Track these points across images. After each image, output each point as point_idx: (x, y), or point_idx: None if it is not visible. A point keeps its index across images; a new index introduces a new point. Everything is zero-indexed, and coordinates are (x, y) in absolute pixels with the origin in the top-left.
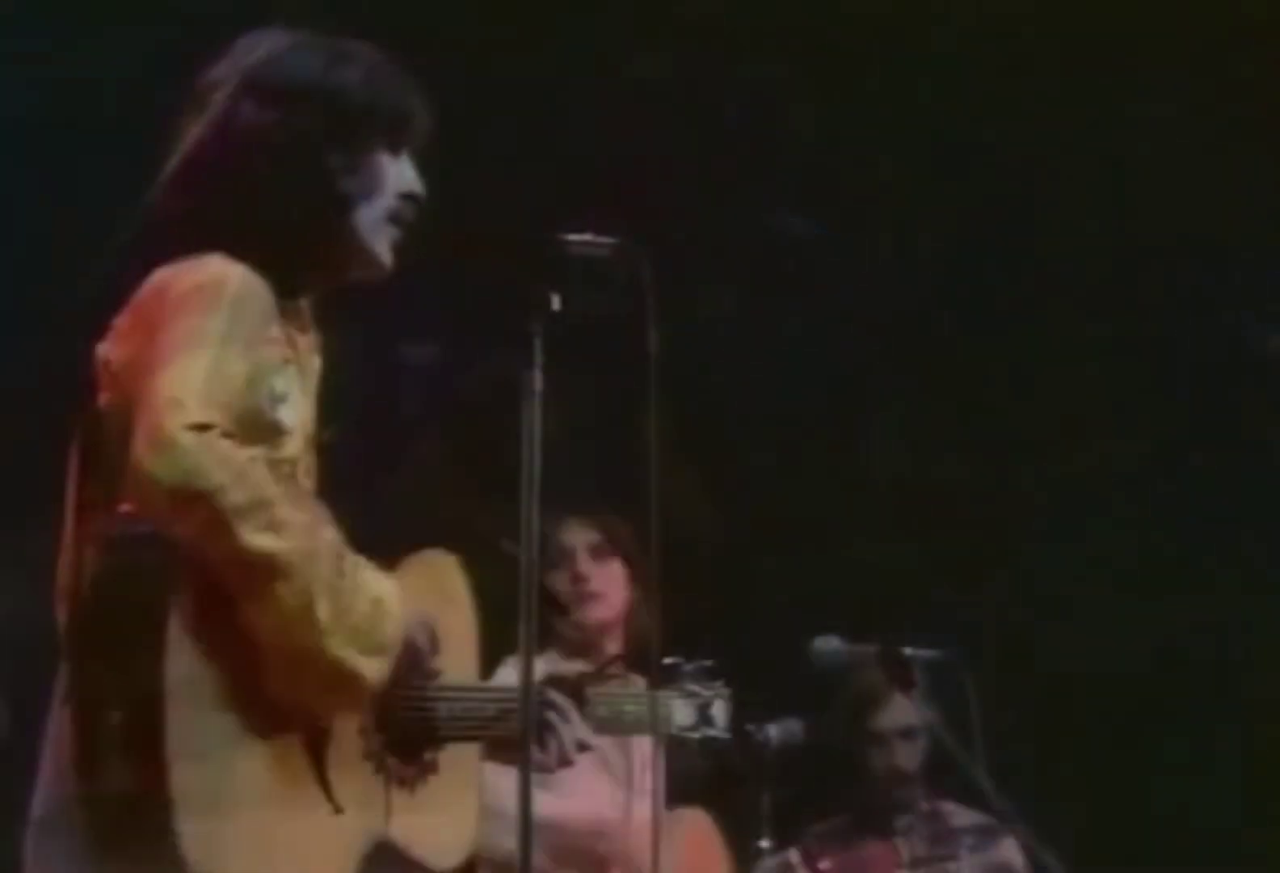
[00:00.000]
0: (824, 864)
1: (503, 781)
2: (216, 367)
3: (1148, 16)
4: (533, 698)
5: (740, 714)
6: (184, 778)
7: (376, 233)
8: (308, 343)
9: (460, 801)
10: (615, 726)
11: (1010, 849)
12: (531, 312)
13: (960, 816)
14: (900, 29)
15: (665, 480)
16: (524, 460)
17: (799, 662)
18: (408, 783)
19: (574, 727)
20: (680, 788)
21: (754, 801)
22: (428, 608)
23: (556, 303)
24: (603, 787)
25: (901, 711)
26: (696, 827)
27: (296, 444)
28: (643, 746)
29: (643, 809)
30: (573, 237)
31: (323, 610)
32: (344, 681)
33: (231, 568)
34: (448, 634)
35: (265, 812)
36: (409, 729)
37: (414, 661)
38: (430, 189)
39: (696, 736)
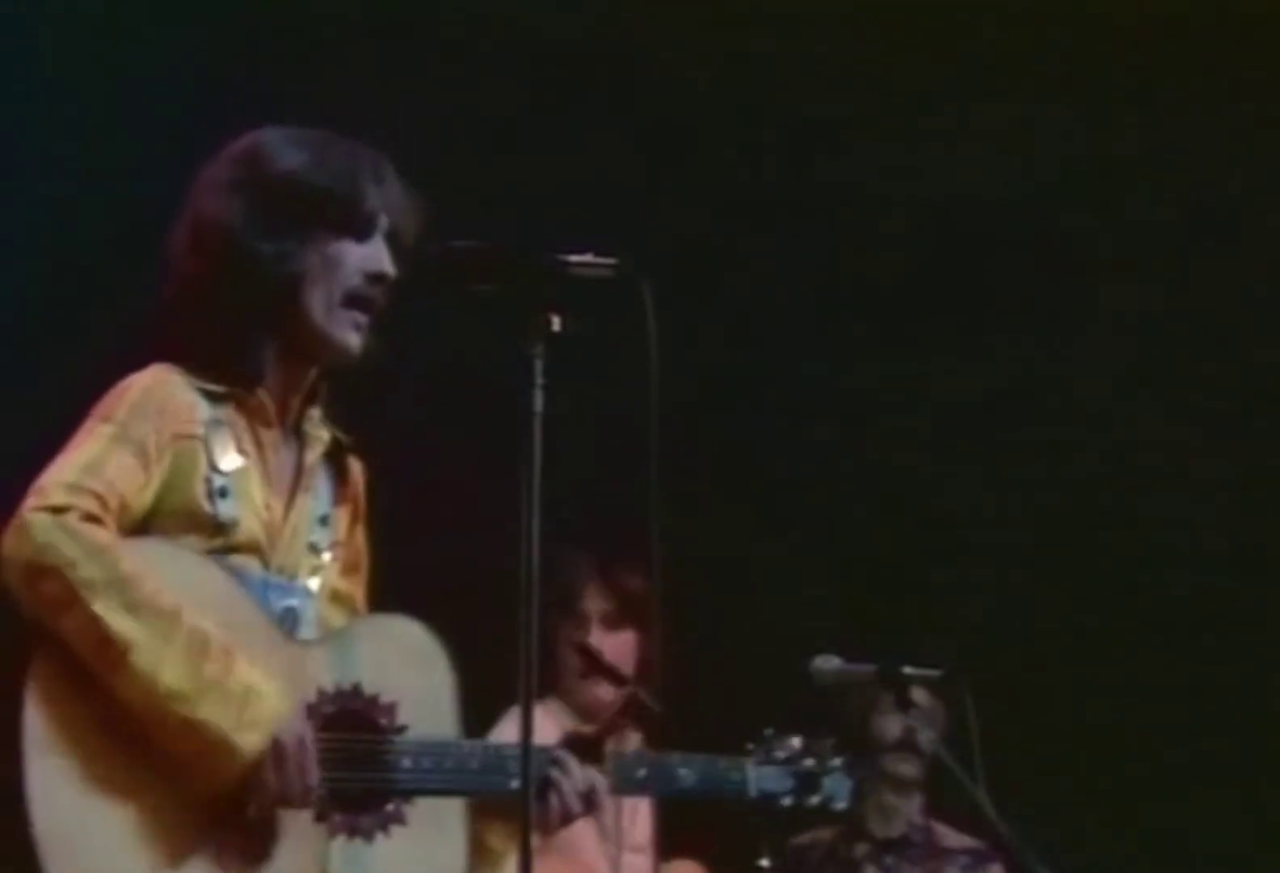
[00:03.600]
0: None
1: None
2: (95, 460)
3: None
4: (536, 752)
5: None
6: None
7: (332, 317)
8: (273, 437)
9: (430, 852)
10: (628, 787)
11: None
12: (532, 333)
13: (951, 837)
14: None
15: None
16: (524, 480)
17: (799, 680)
18: (361, 832)
19: (576, 781)
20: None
21: (754, 820)
22: (382, 673)
23: (557, 324)
24: (591, 844)
25: (897, 721)
26: None
27: (249, 533)
28: (632, 800)
29: (633, 864)
30: (573, 257)
31: (183, 681)
32: (217, 748)
33: (87, 640)
34: (412, 695)
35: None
36: (361, 782)
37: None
38: (430, 208)
39: (789, 802)
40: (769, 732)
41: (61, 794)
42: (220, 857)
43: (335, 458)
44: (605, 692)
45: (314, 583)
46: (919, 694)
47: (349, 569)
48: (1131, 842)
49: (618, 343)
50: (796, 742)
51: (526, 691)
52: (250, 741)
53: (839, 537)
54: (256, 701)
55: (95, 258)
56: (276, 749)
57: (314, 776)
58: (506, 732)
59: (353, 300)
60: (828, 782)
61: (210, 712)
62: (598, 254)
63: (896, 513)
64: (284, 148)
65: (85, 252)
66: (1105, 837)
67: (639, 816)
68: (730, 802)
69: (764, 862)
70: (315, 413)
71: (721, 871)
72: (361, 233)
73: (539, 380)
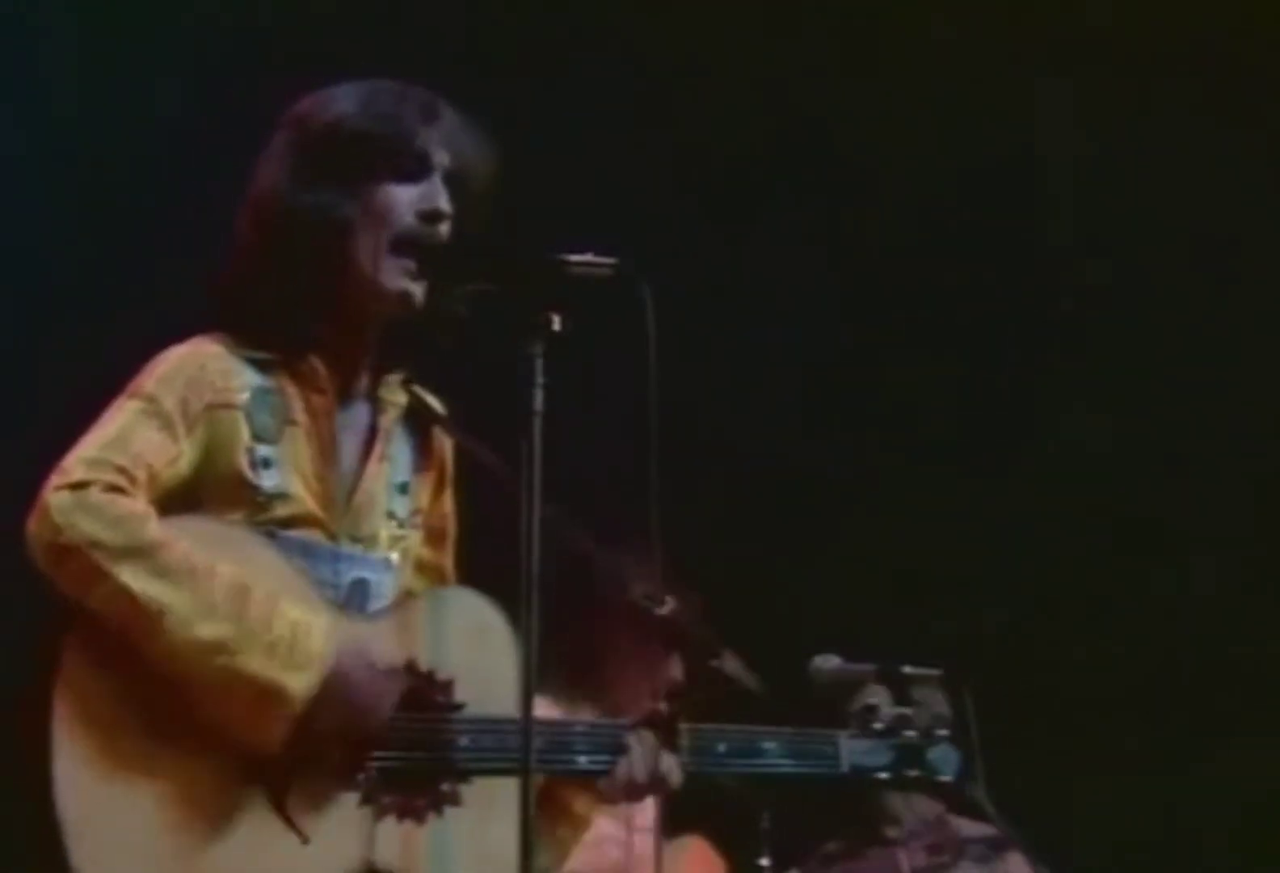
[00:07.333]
0: None
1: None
2: (119, 435)
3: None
4: (613, 728)
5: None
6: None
7: (381, 265)
8: (326, 404)
9: (484, 832)
10: (711, 763)
11: (1019, 864)
12: (532, 332)
13: (968, 827)
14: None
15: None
16: (524, 479)
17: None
18: (413, 813)
19: (649, 756)
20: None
21: (754, 818)
22: (439, 648)
23: (557, 323)
24: (604, 829)
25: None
26: (698, 855)
27: (301, 504)
28: None
29: (644, 845)
30: (573, 257)
31: (221, 631)
32: (266, 695)
33: (119, 612)
34: (474, 671)
35: (206, 845)
36: (416, 762)
37: (370, 694)
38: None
39: (886, 776)
40: (871, 701)
41: (86, 779)
42: (255, 840)
43: (417, 425)
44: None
45: (395, 554)
46: (919, 693)
47: (435, 538)
48: (1131, 841)
49: (618, 342)
50: (897, 711)
51: (527, 693)
52: (299, 681)
53: (839, 536)
54: (305, 637)
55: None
56: (341, 678)
57: (389, 702)
58: None
59: (406, 243)
60: (932, 754)
61: (255, 659)
62: (598, 254)
63: (898, 513)
64: (329, 101)
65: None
66: (1104, 836)
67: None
68: (820, 777)
69: (764, 861)
70: (394, 377)
71: (726, 848)
72: (412, 174)
73: (539, 380)
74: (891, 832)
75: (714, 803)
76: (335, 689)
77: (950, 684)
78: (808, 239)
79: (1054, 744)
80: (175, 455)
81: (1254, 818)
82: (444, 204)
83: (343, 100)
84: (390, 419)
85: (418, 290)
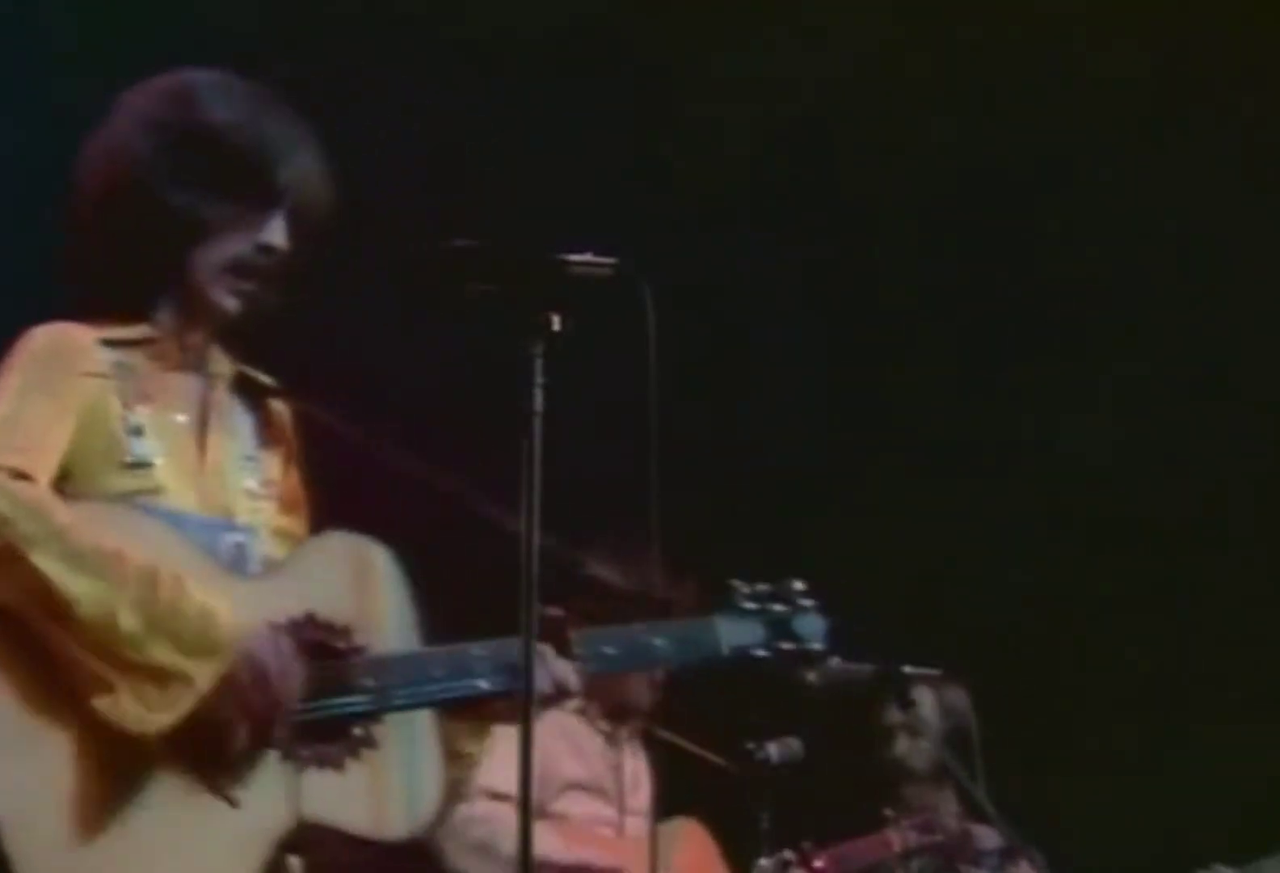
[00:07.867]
0: (819, 863)
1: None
2: (11, 414)
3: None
4: (510, 642)
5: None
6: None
7: (213, 280)
8: (179, 381)
9: (407, 770)
10: (602, 665)
11: (1028, 870)
12: (532, 332)
13: (987, 839)
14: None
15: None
16: (524, 478)
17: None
18: (331, 762)
19: (548, 665)
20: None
21: (754, 818)
22: (334, 597)
23: (557, 323)
24: (598, 812)
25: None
26: (692, 836)
27: (171, 474)
28: (635, 764)
29: (637, 827)
30: (573, 257)
31: (130, 622)
32: (170, 684)
33: (30, 596)
34: (368, 614)
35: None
36: (327, 710)
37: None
38: (431, 207)
39: (763, 653)
40: (735, 582)
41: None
42: (183, 810)
43: (254, 401)
44: (637, 693)
45: (256, 523)
46: (920, 694)
47: (290, 507)
48: (1131, 841)
49: (618, 342)
50: (763, 588)
51: (528, 695)
52: (206, 669)
53: (839, 536)
54: (212, 623)
55: None
56: (251, 661)
57: (295, 684)
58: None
59: (238, 267)
60: (798, 623)
61: (163, 649)
62: (598, 254)
63: (898, 513)
64: (218, 98)
65: None
66: (1104, 836)
67: (640, 782)
68: (707, 666)
69: (763, 861)
70: (216, 351)
71: (721, 831)
72: (265, 204)
73: (539, 380)
74: (886, 812)
75: (708, 787)
76: (242, 674)
77: (950, 685)
78: (807, 239)
79: (1054, 744)
80: (65, 423)
81: (1254, 817)
82: (281, 241)
83: (231, 105)
84: (220, 392)
85: (237, 307)
